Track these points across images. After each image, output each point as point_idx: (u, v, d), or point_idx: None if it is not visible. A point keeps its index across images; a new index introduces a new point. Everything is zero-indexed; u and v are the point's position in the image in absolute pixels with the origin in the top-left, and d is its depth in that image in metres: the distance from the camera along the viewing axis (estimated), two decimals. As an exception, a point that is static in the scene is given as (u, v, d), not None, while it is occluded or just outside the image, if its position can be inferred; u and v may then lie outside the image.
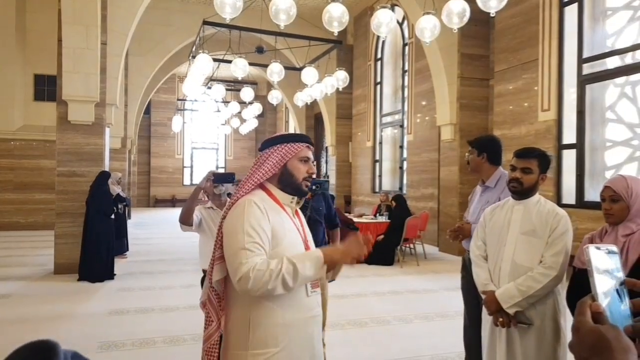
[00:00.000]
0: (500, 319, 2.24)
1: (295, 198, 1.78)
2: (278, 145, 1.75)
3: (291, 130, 20.29)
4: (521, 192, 2.34)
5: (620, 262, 0.70)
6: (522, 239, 2.27)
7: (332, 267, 1.67)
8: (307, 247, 1.76)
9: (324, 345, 1.84)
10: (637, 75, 6.32)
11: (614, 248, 0.71)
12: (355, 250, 1.65)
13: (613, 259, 0.70)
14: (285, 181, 1.75)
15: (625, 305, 0.67)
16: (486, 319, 2.41)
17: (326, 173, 15.82)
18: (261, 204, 1.65)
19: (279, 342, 1.62)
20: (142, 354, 3.93)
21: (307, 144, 1.79)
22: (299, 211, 1.87)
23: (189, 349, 4.01)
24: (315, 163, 1.83)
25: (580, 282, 2.07)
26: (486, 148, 2.97)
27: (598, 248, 0.70)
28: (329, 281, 1.92)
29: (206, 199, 3.52)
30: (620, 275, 0.69)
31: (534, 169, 2.32)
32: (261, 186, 1.74)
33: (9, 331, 4.44)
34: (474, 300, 2.81)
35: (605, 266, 0.69)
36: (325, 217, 4.04)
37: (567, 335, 2.25)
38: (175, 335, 4.31)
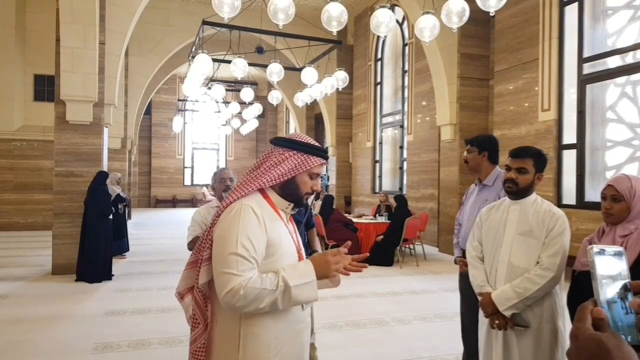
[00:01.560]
0: (497, 322, 2.20)
1: (291, 204, 1.70)
2: (294, 152, 1.64)
3: (292, 132, 20.27)
4: (517, 192, 2.30)
5: (627, 266, 0.65)
6: (519, 240, 2.23)
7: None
8: (300, 255, 1.68)
9: (315, 348, 1.80)
10: (638, 75, 6.28)
11: (621, 250, 0.66)
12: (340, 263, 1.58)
13: (619, 262, 0.65)
14: (288, 190, 1.65)
15: (631, 313, 0.62)
16: (482, 321, 2.37)
17: (326, 173, 15.79)
18: (258, 210, 1.55)
19: (271, 356, 1.55)
20: (137, 355, 3.90)
21: (322, 161, 1.69)
22: (292, 217, 1.78)
23: (185, 350, 3.97)
24: (327, 176, 1.75)
25: (580, 286, 2.03)
26: (487, 147, 2.96)
27: (603, 249, 0.65)
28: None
29: (209, 198, 3.50)
30: (627, 280, 0.64)
31: (529, 169, 2.28)
32: (260, 189, 1.64)
33: (6, 331, 4.41)
34: (474, 301, 2.79)
35: (610, 269, 0.64)
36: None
37: (566, 338, 2.22)
38: (171, 336, 4.28)
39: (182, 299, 1.68)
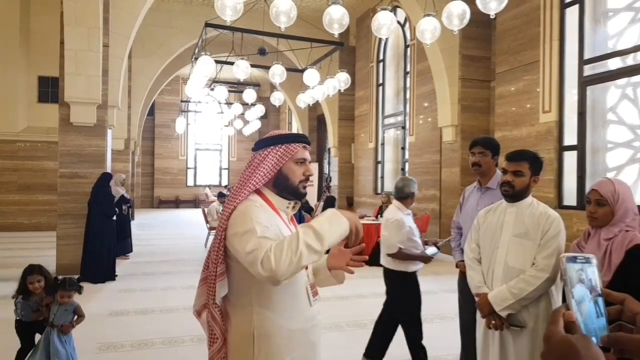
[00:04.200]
0: (493, 322, 2.24)
1: (292, 203, 1.71)
2: (272, 147, 1.65)
3: (294, 132, 20.29)
4: (513, 195, 2.33)
5: (598, 272, 0.69)
6: (515, 242, 2.27)
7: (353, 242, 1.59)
8: None
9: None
10: (639, 77, 6.29)
11: (592, 258, 0.70)
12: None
13: (590, 269, 0.69)
14: (281, 185, 1.67)
15: (602, 316, 0.67)
16: (480, 321, 2.41)
17: (329, 174, 15.85)
18: (260, 208, 1.60)
19: (284, 356, 1.56)
20: (140, 355, 3.95)
21: (304, 144, 1.69)
22: (293, 217, 1.79)
23: (188, 350, 4.02)
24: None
25: None
26: (497, 151, 3.01)
27: (574, 257, 0.70)
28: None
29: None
30: (598, 285, 0.69)
31: (525, 172, 2.32)
32: (256, 191, 1.65)
33: (10, 332, 4.45)
34: (473, 302, 2.82)
35: (581, 276, 0.68)
36: None
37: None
38: (174, 336, 4.33)
39: (199, 316, 1.71)
